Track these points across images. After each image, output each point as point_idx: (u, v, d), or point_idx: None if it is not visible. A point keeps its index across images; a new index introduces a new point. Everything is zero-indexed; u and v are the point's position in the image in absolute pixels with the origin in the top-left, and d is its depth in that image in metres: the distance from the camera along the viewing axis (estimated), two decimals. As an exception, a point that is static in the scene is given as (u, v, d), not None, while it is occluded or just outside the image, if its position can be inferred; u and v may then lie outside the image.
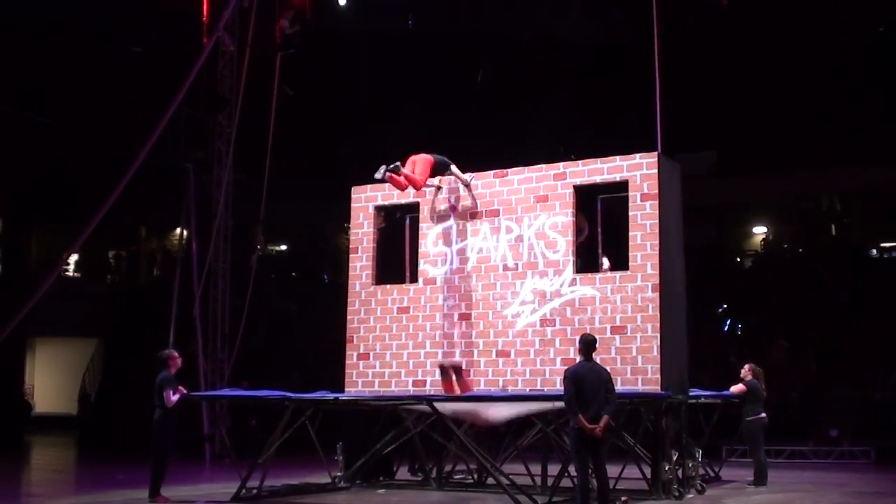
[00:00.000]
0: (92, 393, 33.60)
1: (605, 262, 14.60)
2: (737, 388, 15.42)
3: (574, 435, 10.75)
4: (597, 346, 11.30)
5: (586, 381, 10.72)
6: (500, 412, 13.22)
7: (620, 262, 13.99)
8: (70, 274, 37.43)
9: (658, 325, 13.37)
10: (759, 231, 34.85)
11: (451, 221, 15.16)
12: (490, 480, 14.55)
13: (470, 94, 31.69)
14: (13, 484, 17.63)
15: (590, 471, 10.79)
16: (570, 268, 14.14)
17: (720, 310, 28.54)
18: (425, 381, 14.91)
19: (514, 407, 13.08)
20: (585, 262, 14.40)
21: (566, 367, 11.53)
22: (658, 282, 13.46)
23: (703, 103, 30.37)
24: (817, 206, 34.56)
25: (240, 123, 23.13)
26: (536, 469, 14.56)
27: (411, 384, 14.98)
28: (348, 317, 15.83)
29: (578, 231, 14.41)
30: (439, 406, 13.04)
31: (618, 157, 14.07)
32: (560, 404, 11.36)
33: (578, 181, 14.36)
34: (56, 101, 32.00)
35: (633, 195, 13.81)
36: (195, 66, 21.07)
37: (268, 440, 14.03)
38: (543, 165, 14.65)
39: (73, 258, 36.28)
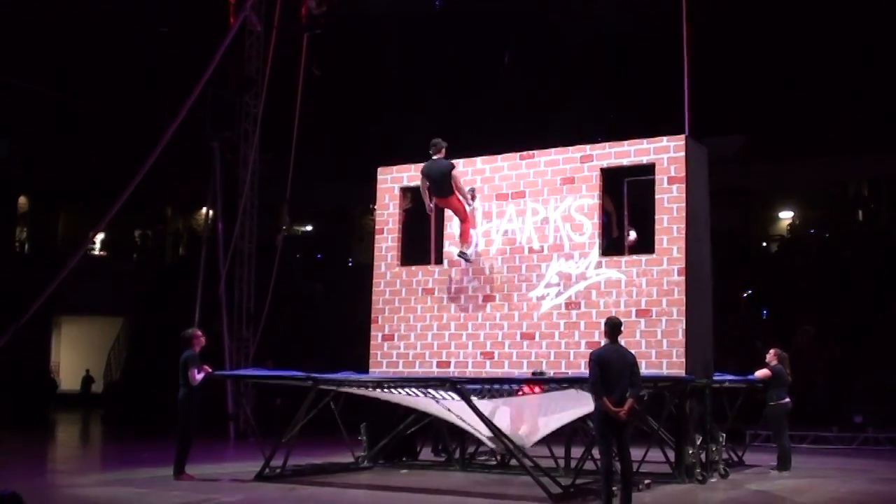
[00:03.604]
0: (114, 372, 33.83)
1: (633, 234, 14.60)
2: (761, 373, 15.35)
3: (598, 418, 10.73)
4: (622, 328, 11.27)
5: (611, 364, 10.69)
6: (548, 425, 13.44)
7: (647, 246, 13.95)
8: (96, 253, 37.66)
9: (684, 308, 13.33)
10: (786, 216, 34.71)
11: (477, 203, 15.13)
12: (513, 462, 14.55)
13: (497, 75, 31.62)
14: (40, 460, 17.80)
15: (614, 454, 10.78)
16: (595, 250, 14.10)
17: (746, 294, 28.40)
18: (449, 362, 14.92)
19: (559, 419, 13.31)
20: (611, 244, 14.36)
21: (591, 350, 11.52)
22: (684, 265, 13.42)
23: (732, 87, 30.21)
24: (844, 191, 34.38)
25: (266, 103, 23.14)
26: (560, 451, 14.58)
27: (435, 365, 14.98)
28: (373, 298, 15.84)
29: (607, 215, 14.38)
30: (480, 404, 13.05)
31: (645, 140, 14.01)
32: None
33: (605, 164, 14.30)
34: (84, 81, 32.17)
35: (660, 178, 13.74)
36: (222, 45, 21.07)
37: (292, 419, 14.09)
38: (570, 148, 14.60)
39: (100, 237, 36.49)
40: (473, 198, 14.97)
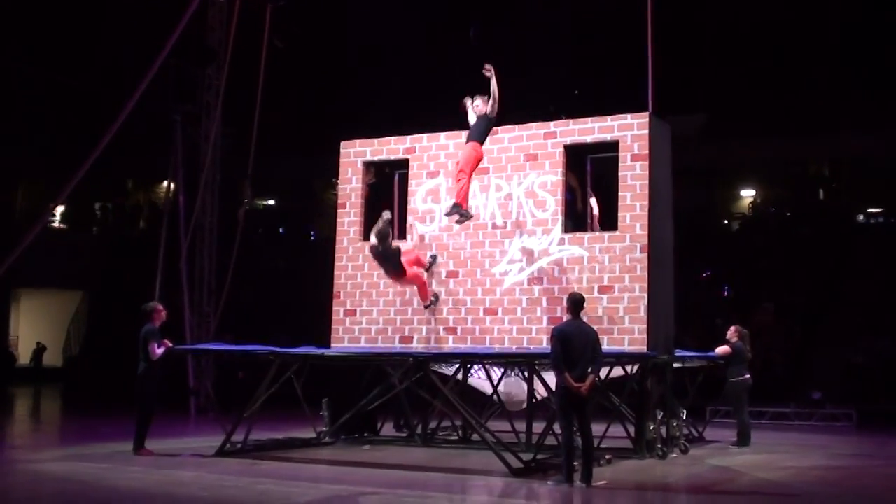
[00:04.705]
0: (74, 346, 33.53)
1: (594, 206, 14.56)
2: (722, 350, 15.46)
3: (560, 393, 10.77)
4: (584, 304, 11.30)
5: (573, 339, 10.72)
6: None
7: (609, 223, 13.97)
8: (56, 225, 37.25)
9: (646, 285, 13.37)
10: (748, 194, 34.94)
11: (441, 178, 15.08)
12: (475, 437, 14.59)
13: (462, 50, 31.47)
14: (-3, 435, 17.62)
15: (575, 429, 10.82)
16: (558, 227, 14.11)
17: (707, 272, 28.58)
18: (412, 337, 14.90)
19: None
20: (575, 220, 14.38)
21: (553, 326, 11.53)
22: (646, 242, 13.45)
23: (695, 65, 30.29)
24: (806, 170, 34.66)
25: (229, 76, 22.91)
26: (521, 426, 14.60)
27: (398, 341, 14.96)
28: (336, 272, 15.76)
29: (571, 191, 14.37)
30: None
31: (609, 117, 14.01)
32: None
33: (569, 140, 14.29)
34: (43, 51, 31.70)
35: (624, 155, 13.76)
36: (184, 16, 20.82)
37: (253, 394, 14.02)
38: (534, 124, 14.58)
39: (60, 209, 36.09)
40: (433, 263, 14.86)
